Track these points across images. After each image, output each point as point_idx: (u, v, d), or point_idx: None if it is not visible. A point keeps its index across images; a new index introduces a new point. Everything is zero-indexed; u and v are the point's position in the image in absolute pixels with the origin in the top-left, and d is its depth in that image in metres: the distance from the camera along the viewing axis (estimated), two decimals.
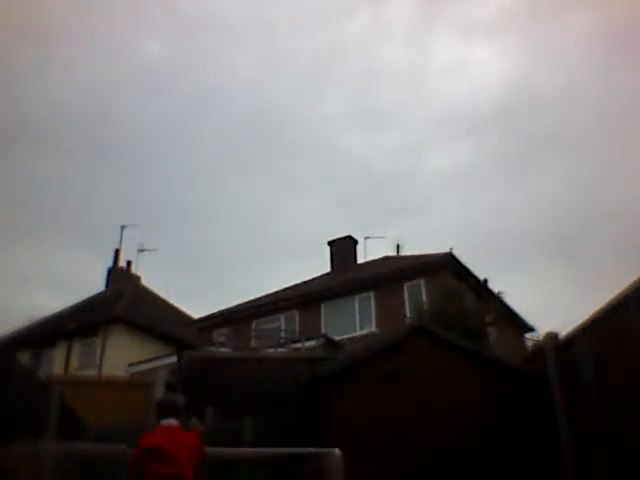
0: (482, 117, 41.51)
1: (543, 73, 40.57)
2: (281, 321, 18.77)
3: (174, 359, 15.60)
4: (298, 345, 14.41)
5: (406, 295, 17.28)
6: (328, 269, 21.79)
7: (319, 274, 21.69)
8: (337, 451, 4.55)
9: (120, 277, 23.13)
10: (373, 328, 17.10)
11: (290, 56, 43.48)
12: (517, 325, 18.11)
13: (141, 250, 23.40)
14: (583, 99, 44.14)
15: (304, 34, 46.24)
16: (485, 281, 16.13)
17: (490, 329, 13.07)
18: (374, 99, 42.97)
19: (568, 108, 42.15)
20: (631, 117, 39.44)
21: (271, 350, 14.46)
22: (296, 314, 18.60)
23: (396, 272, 17.95)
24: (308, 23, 45.46)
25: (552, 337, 5.60)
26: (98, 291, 23.10)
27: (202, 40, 43.36)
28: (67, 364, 17.85)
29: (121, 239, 23.79)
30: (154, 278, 30.12)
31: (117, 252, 23.87)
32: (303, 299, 18.76)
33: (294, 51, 43.50)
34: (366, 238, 22.57)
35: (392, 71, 42.15)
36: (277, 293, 20.35)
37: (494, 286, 15.83)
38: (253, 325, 18.97)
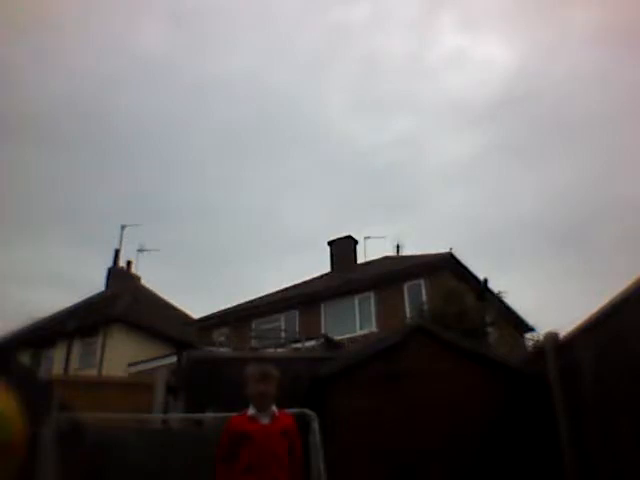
0: (484, 110, 41.49)
1: (547, 64, 40.53)
2: (281, 321, 18.77)
3: (174, 359, 15.61)
4: (298, 345, 14.42)
5: (406, 295, 17.29)
6: (328, 269, 21.80)
7: (319, 274, 21.70)
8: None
9: (120, 277, 23.13)
10: (373, 328, 17.11)
11: (289, 50, 43.38)
12: (517, 325, 18.12)
13: (141, 250, 23.44)
14: (585, 94, 44.12)
15: (304, 24, 46.13)
16: (485, 281, 16.14)
17: (490, 329, 13.07)
18: (375, 91, 42.89)
19: (571, 102, 42.15)
20: (634, 111, 39.36)
21: (271, 350, 14.46)
22: (296, 314, 18.60)
23: (396, 272, 17.95)
24: (308, 12, 45.34)
25: (552, 337, 5.60)
26: (98, 291, 23.10)
27: (201, 31, 43.32)
28: (67, 364, 17.86)
29: (121, 239, 23.83)
30: (154, 278, 30.13)
31: (117, 252, 23.89)
32: (303, 299, 18.76)
33: (293, 44, 43.42)
34: (366, 238, 22.61)
35: (393, 62, 42.10)
36: (277, 293, 20.36)
37: (494, 285, 15.84)
38: (253, 325, 18.97)
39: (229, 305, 20.15)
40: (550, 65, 40.52)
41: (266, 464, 3.36)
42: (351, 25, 41.03)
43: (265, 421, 3.50)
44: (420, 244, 26.19)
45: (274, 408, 3.58)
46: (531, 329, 17.76)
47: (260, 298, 20.15)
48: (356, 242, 22.23)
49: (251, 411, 3.55)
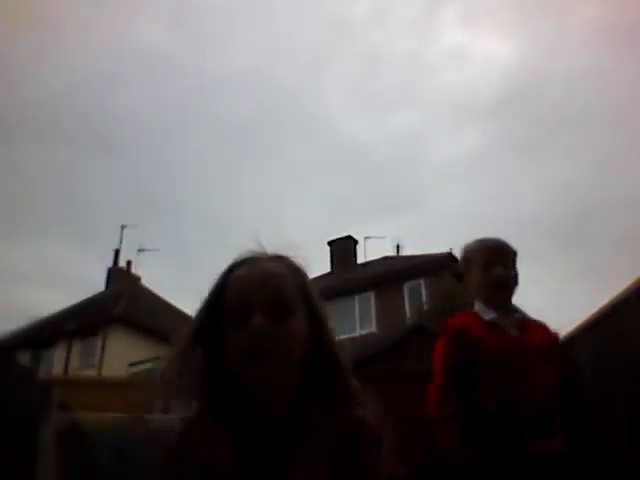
0: (484, 108, 41.43)
1: (547, 62, 40.52)
2: None
3: None
4: None
5: (406, 295, 17.30)
6: (328, 269, 21.81)
7: (319, 274, 21.72)
8: None
9: (120, 277, 23.14)
10: (373, 328, 17.11)
11: (289, 48, 43.40)
12: None
13: (141, 250, 23.45)
14: (585, 93, 44.17)
15: (303, 23, 46.10)
16: None
17: None
18: (375, 89, 42.82)
19: (571, 101, 42.18)
20: (635, 110, 39.34)
21: None
22: None
23: (396, 272, 17.96)
24: (308, 10, 45.32)
25: None
26: (98, 291, 23.12)
27: (201, 31, 43.30)
28: (67, 364, 17.87)
29: (121, 239, 23.84)
30: (154, 278, 30.15)
31: (117, 252, 23.90)
32: None
33: (293, 42, 43.44)
34: (366, 238, 22.62)
35: (393, 59, 42.05)
36: None
37: None
38: None
39: None
40: (550, 63, 40.55)
41: (520, 409, 1.90)
42: (351, 22, 41.05)
43: (514, 331, 2.05)
44: (420, 244, 26.15)
45: (519, 310, 2.10)
46: None
47: None
48: (356, 242, 22.25)
49: (486, 313, 2.04)
